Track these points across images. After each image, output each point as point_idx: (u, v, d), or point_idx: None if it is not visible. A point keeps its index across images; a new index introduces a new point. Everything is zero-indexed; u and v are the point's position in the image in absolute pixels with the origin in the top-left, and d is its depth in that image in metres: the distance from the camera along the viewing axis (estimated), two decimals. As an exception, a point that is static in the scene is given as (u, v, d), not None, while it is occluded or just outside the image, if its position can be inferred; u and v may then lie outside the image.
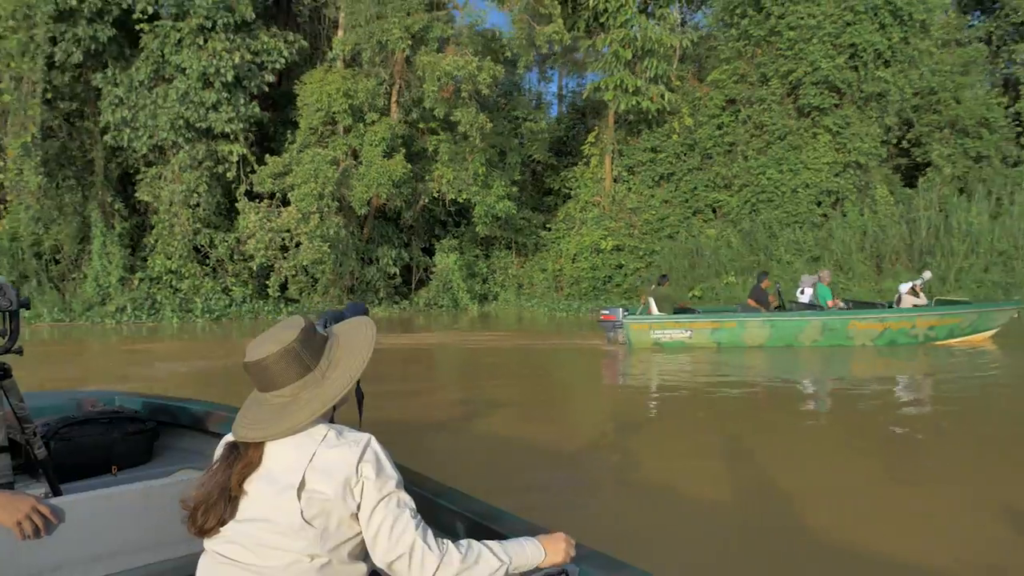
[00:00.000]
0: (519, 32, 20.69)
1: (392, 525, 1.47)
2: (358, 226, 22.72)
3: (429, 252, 25.39)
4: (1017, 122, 24.57)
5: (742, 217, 22.65)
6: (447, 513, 2.00)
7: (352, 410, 1.73)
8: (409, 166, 21.01)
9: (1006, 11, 25.11)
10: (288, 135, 21.70)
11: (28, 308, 2.57)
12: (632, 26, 22.66)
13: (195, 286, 20.69)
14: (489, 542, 1.55)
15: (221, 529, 1.52)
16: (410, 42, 20.23)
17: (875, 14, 21.49)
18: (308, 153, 20.10)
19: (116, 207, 21.01)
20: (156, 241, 20.69)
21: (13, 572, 1.97)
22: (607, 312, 13.37)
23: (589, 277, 23.88)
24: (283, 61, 20.68)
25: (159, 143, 19.78)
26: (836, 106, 22.17)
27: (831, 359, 11.36)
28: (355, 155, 21.51)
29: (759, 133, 23.26)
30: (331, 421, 1.62)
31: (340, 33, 22.67)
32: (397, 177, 20.62)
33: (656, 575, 1.61)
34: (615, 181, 25.18)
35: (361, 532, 1.51)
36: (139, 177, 20.82)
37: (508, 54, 21.88)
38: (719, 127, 24.08)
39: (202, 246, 20.95)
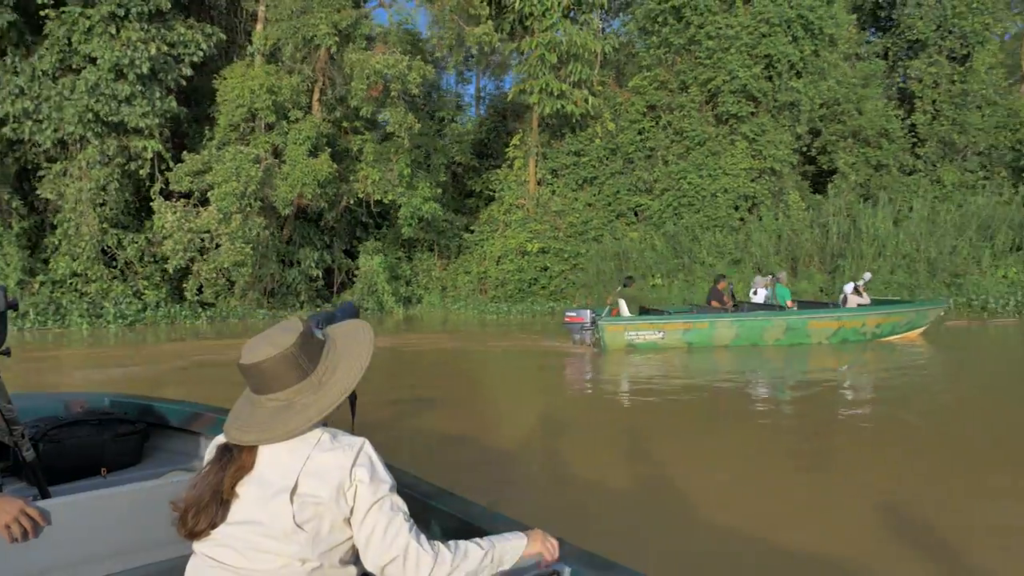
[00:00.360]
0: (449, 32, 20.53)
1: (385, 529, 1.48)
2: (278, 227, 22.03)
3: (351, 254, 24.93)
4: (912, 133, 26.17)
5: (664, 220, 23.24)
6: (440, 515, 2.02)
7: (344, 412, 1.70)
8: (335, 166, 20.55)
9: (901, 28, 26.72)
10: (206, 132, 20.82)
11: (16, 309, 2.55)
12: (557, 30, 22.85)
13: (103, 290, 19.60)
14: (476, 539, 1.59)
15: (212, 532, 1.51)
16: (337, 39, 19.75)
17: (788, 27, 22.51)
18: (229, 151, 19.41)
19: (14, 205, 19.62)
20: (60, 242, 19.50)
21: (6, 573, 1.97)
22: (573, 314, 13.46)
23: (515, 279, 23.99)
24: (201, 54, 19.89)
25: (64, 137, 18.59)
26: (752, 114, 23.09)
27: (796, 356, 11.91)
28: (277, 154, 20.85)
29: (679, 139, 23.97)
30: (325, 424, 1.60)
31: (259, 27, 21.94)
32: (323, 177, 20.18)
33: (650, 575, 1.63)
34: (539, 184, 25.40)
35: (353, 536, 1.51)
36: (41, 173, 19.52)
37: (439, 54, 21.70)
38: (640, 132, 24.68)
39: (109, 247, 19.80)
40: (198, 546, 1.56)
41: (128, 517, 2.20)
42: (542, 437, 6.68)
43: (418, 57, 20.08)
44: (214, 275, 19.83)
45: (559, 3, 22.68)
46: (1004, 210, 22.01)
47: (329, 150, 20.89)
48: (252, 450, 1.52)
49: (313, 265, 22.71)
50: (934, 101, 26.33)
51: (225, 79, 20.56)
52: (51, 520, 2.03)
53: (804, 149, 25.44)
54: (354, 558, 1.56)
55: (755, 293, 14.71)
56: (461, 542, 1.57)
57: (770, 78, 22.89)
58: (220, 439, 1.63)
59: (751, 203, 23.50)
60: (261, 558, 1.49)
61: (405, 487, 1.65)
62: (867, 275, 14.60)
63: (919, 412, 7.48)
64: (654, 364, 11.33)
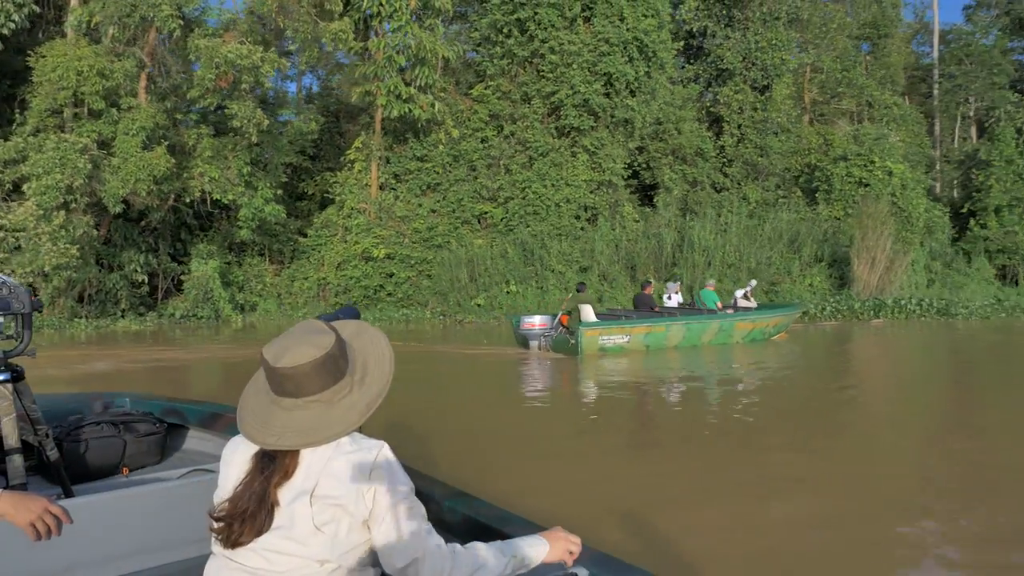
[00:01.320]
0: (304, 26, 19.65)
1: (403, 532, 1.51)
2: (94, 227, 19.86)
3: (175, 258, 22.99)
4: (722, 154, 28.71)
5: (510, 228, 23.73)
6: (457, 517, 2.06)
7: None
8: (172, 160, 18.92)
9: (711, 58, 29.29)
10: (16, 116, 18.31)
11: (41, 311, 2.74)
12: (405, 33, 22.64)
13: None
14: (496, 542, 1.61)
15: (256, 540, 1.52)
16: (181, 22, 18.23)
17: (625, 48, 23.92)
18: (51, 138, 17.34)
19: None
20: None
21: (26, 573, 2.04)
22: (531, 320, 13.92)
23: (360, 286, 23.52)
24: (12, 26, 17.47)
25: None
26: (592, 128, 24.14)
27: (733, 353, 13.62)
28: (103, 145, 18.82)
29: (523, 149, 24.63)
30: None
31: (75, 1, 19.70)
32: (159, 172, 18.52)
33: None
34: (381, 188, 24.95)
35: (371, 539, 1.53)
36: None
37: (292, 48, 20.68)
38: (483, 140, 25.04)
39: None
40: (216, 547, 1.57)
41: (149, 516, 2.25)
42: (607, 453, 6.80)
43: (272, 49, 19.00)
44: (30, 279, 17.46)
45: (407, 6, 22.50)
46: (808, 226, 24.84)
47: (165, 143, 19.15)
48: (295, 455, 1.52)
49: (138, 269, 20.75)
50: (739, 125, 29.21)
51: (43, 57, 18.26)
52: (75, 519, 2.03)
53: (633, 164, 27.08)
54: (372, 560, 1.57)
55: (669, 298, 15.90)
56: (479, 544, 1.58)
57: (608, 95, 24.21)
58: (236, 443, 1.64)
59: (591, 213, 24.65)
60: (281, 560, 1.49)
61: (422, 489, 1.66)
62: (752, 282, 16.49)
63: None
64: (631, 365, 12.19)
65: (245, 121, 18.99)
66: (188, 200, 21.27)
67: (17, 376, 2.65)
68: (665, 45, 25.29)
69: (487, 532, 1.89)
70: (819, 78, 32.48)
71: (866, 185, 26.28)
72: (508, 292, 21.89)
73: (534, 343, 13.78)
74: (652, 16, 25.06)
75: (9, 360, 2.65)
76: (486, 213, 25.01)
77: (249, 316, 23.10)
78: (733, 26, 29.29)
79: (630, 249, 23.98)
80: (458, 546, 1.55)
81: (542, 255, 22.67)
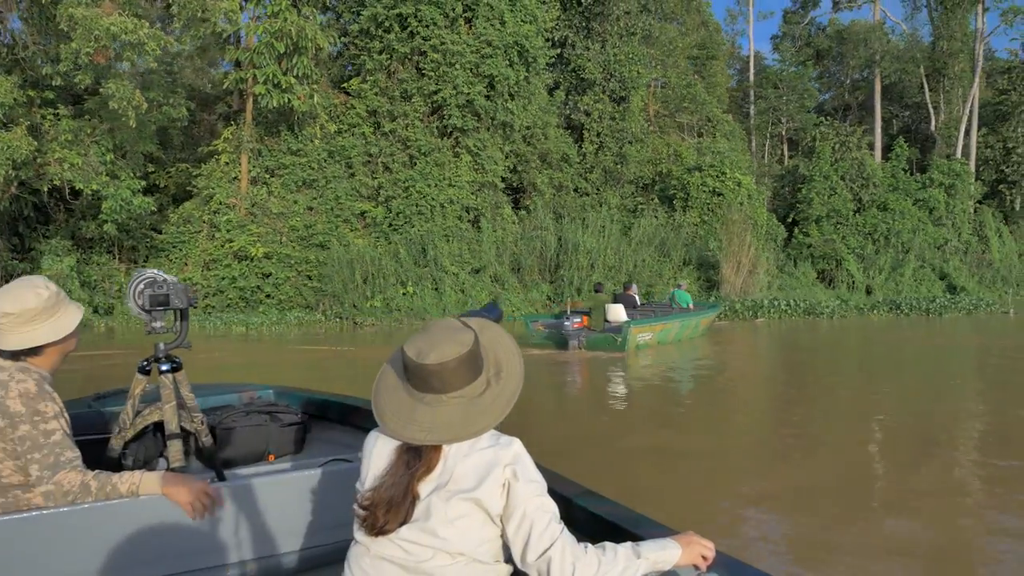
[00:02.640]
0: (191, 2, 17.93)
1: (536, 527, 1.54)
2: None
3: (16, 254, 20.22)
4: (583, 160, 29.67)
5: (395, 229, 23.12)
6: (585, 516, 2.08)
7: None
8: (35, 143, 16.60)
9: (573, 67, 30.24)
10: None
11: (196, 306, 2.97)
12: (284, 19, 21.42)
13: None
14: (627, 543, 1.62)
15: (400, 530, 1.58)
16: (51, -13, 16.11)
17: (506, 51, 24.09)
18: None
19: None
20: None
21: (181, 549, 2.18)
22: (578, 320, 14.17)
23: (235, 287, 21.90)
24: None
25: None
26: (475, 129, 24.12)
27: (708, 345, 15.10)
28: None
29: (403, 147, 24.07)
30: None
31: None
32: (20, 156, 16.17)
33: None
34: (253, 183, 23.35)
35: (504, 533, 1.58)
36: None
37: (177, 25, 18.81)
38: (361, 137, 24.20)
39: None
40: (360, 535, 1.64)
41: (293, 502, 2.36)
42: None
43: (157, 26, 17.21)
44: None
45: (286, -10, 21.35)
46: (672, 231, 26.31)
47: (26, 123, 16.76)
48: (439, 450, 1.58)
49: (-24, 266, 17.99)
50: (599, 134, 30.34)
51: None
52: (225, 501, 2.24)
53: (511, 167, 27.34)
54: (505, 555, 1.62)
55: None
56: (609, 544, 1.60)
57: (490, 97, 24.24)
58: (375, 436, 1.71)
59: (473, 215, 24.58)
60: (416, 551, 1.56)
61: (552, 487, 1.68)
62: (683, 284, 17.24)
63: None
64: (668, 358, 13.28)
65: (124, 103, 17.00)
66: (38, 188, 18.71)
67: (176, 367, 2.79)
68: (543, 51, 25.80)
69: (617, 532, 1.90)
70: (665, 93, 34.57)
71: (719, 194, 28.33)
72: (405, 294, 21.28)
73: (573, 343, 13.72)
74: (531, 22, 25.49)
75: (169, 352, 2.78)
76: (366, 212, 24.16)
77: (113, 320, 20.70)
78: (592, 38, 30.45)
79: (514, 251, 24.19)
80: (589, 544, 1.57)
81: (436, 256, 22.27)
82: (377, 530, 1.56)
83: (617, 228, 26.55)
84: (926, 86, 41.66)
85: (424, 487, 1.56)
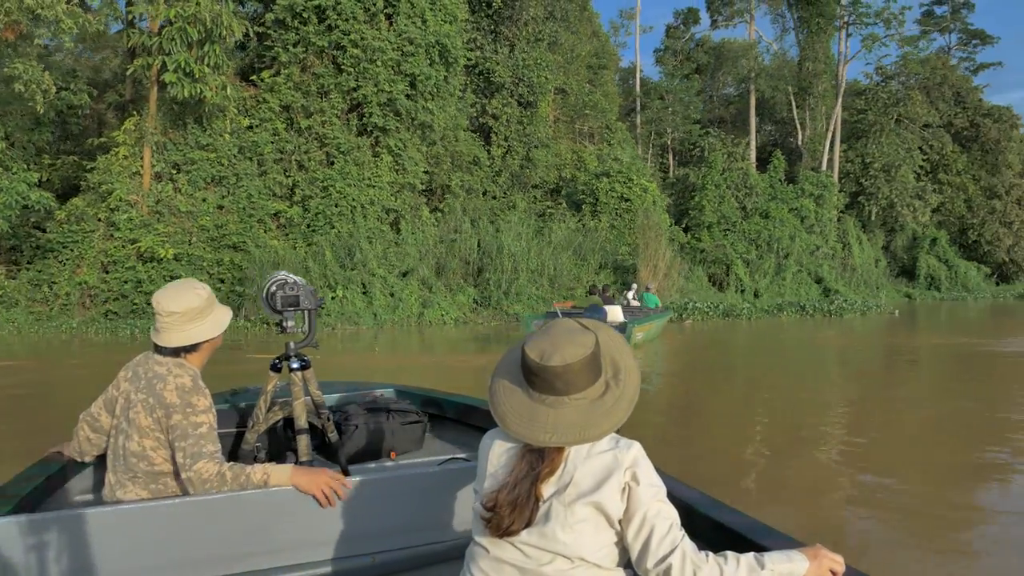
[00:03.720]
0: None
1: (656, 533, 1.51)
2: None
3: None
4: (492, 164, 29.47)
5: (316, 230, 22.04)
6: (706, 523, 2.04)
7: None
8: (-77, 127, 14.52)
9: (480, 70, 29.97)
10: None
11: (323, 307, 3.76)
12: (198, 3, 19.94)
13: None
14: (750, 554, 1.57)
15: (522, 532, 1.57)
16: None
17: (428, 51, 23.55)
18: None
19: None
20: None
21: (305, 540, 2.27)
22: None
23: (140, 291, 20.06)
24: None
25: None
26: (396, 129, 23.41)
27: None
28: None
29: (321, 145, 22.99)
30: None
31: None
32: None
33: None
34: (157, 179, 21.56)
35: (621, 538, 1.56)
36: None
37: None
38: (275, 133, 22.90)
39: None
40: (480, 536, 1.65)
41: (413, 499, 2.40)
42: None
43: (74, 2, 15.48)
44: None
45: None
46: (587, 236, 26.59)
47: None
48: (562, 451, 1.57)
49: None
50: (507, 137, 30.19)
51: None
52: (349, 495, 2.31)
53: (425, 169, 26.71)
54: (624, 560, 1.60)
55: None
56: (731, 554, 1.55)
57: (411, 96, 23.59)
58: (493, 436, 1.72)
59: (394, 216, 23.81)
60: (535, 554, 1.55)
61: (673, 492, 1.68)
62: (634, 286, 17.60)
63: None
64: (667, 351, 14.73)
65: (32, 86, 15.11)
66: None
67: (305, 365, 2.91)
68: (463, 52, 25.38)
69: (740, 542, 1.86)
70: (566, 99, 34.93)
71: (627, 200, 28.92)
72: (334, 298, 20.20)
73: None
74: (451, 23, 25.02)
75: (299, 351, 2.91)
76: (280, 212, 22.80)
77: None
78: (500, 42, 30.31)
79: (436, 254, 23.61)
80: (710, 553, 1.53)
81: (363, 259, 21.31)
82: (503, 531, 1.54)
83: (531, 232, 26.53)
84: (793, 103, 44.47)
85: (547, 489, 1.54)
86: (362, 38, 22.86)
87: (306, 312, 2.89)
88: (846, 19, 42.00)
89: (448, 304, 21.91)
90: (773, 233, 35.30)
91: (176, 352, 2.46)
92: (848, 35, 42.66)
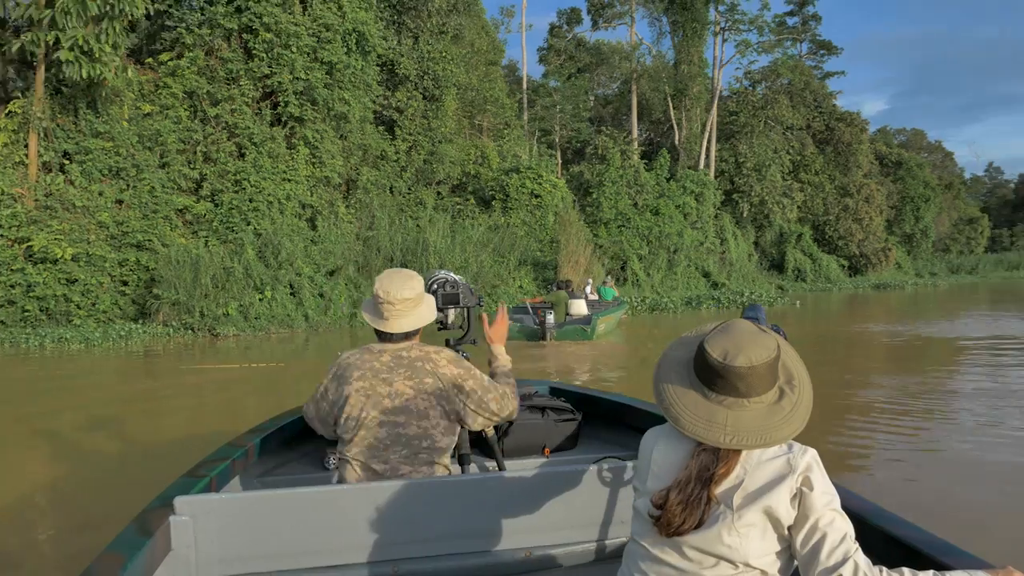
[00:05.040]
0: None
1: (827, 542, 1.45)
2: None
3: None
4: (398, 159, 28.41)
5: (231, 227, 20.35)
6: (882, 538, 1.93)
7: None
8: None
9: (383, 60, 28.81)
10: None
11: (482, 305, 3.13)
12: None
13: None
14: (929, 572, 1.46)
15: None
16: None
17: (345, 39, 22.37)
18: None
19: None
20: None
21: (468, 530, 2.33)
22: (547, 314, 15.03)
23: (31, 296, 17.73)
24: None
25: None
26: (312, 120, 22.07)
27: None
28: None
29: (231, 135, 21.29)
30: None
31: None
32: None
33: None
34: (45, 169, 19.17)
35: (792, 546, 1.51)
36: None
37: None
38: (178, 121, 20.96)
39: None
40: (642, 537, 1.62)
41: (568, 496, 2.40)
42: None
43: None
44: None
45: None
46: (505, 233, 26.17)
47: None
48: (738, 454, 1.53)
49: None
50: (412, 132, 29.20)
51: None
52: (505, 490, 2.35)
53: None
54: (788, 568, 1.56)
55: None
56: (908, 570, 1.45)
57: (329, 86, 22.29)
58: (655, 435, 1.69)
59: (311, 212, 22.40)
60: (697, 557, 1.52)
61: (845, 503, 1.59)
62: (590, 281, 17.32)
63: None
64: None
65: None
66: None
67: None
68: (380, 41, 24.21)
69: (917, 559, 1.76)
70: (466, 94, 34.24)
71: (538, 196, 28.69)
72: (262, 299, 18.62)
73: (548, 334, 14.68)
74: (366, 9, 23.79)
75: (458, 347, 2.94)
76: (188, 207, 20.79)
77: None
78: (404, 33, 29.23)
79: (357, 251, 22.39)
80: (885, 568, 1.45)
81: (289, 257, 19.80)
82: (673, 530, 1.50)
83: (445, 228, 25.75)
84: (670, 104, 45.95)
85: (719, 491, 1.51)
86: (276, 22, 21.27)
87: (465, 309, 3.01)
88: (722, 25, 43.84)
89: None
90: (663, 229, 36.21)
91: (406, 336, 2.57)
92: (724, 40, 44.56)
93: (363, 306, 2.68)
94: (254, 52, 21.48)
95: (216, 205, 20.79)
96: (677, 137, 46.39)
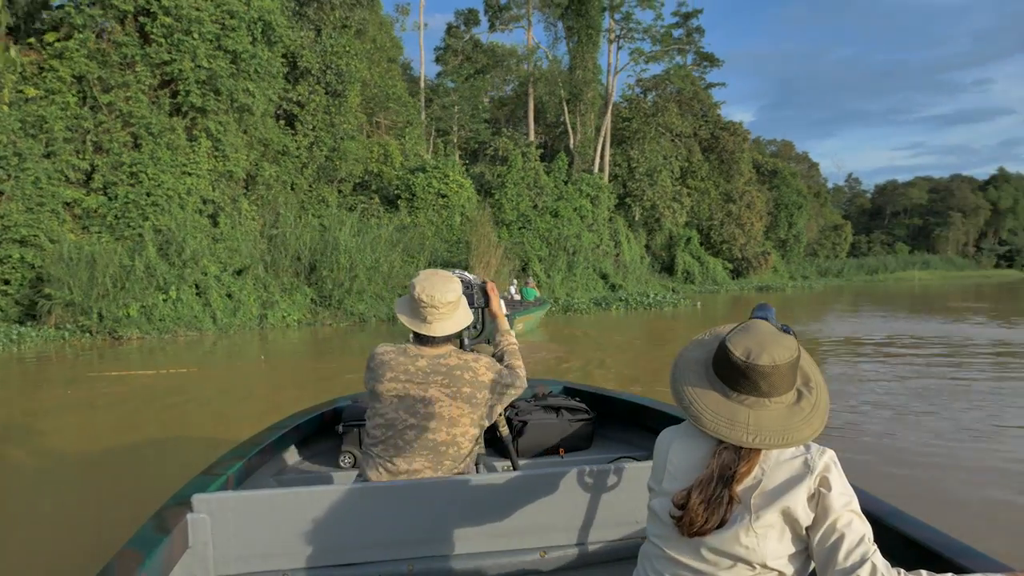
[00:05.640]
0: None
1: (846, 544, 1.43)
2: None
3: None
4: (299, 155, 27.42)
5: (128, 222, 19.05)
6: (898, 538, 1.93)
7: None
8: None
9: (284, 53, 27.76)
10: None
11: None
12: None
13: None
14: (948, 574, 1.42)
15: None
16: None
17: (250, 27, 21.45)
18: None
19: None
20: None
21: (482, 530, 2.35)
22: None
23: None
24: None
25: None
26: (215, 111, 21.00)
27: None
28: None
29: (125, 125, 19.94)
30: None
31: None
32: None
33: None
34: (-88, 156, 17.37)
35: (809, 546, 1.50)
36: None
37: None
38: (65, 107, 19.45)
39: None
40: (658, 537, 1.62)
41: (582, 495, 2.41)
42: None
43: None
44: None
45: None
46: (413, 233, 25.73)
47: None
48: (759, 454, 1.51)
49: None
50: (314, 127, 28.27)
51: None
52: (518, 490, 2.36)
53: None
54: (805, 569, 1.55)
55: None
56: (926, 573, 1.42)
57: (234, 76, 21.25)
58: (671, 435, 1.67)
59: (213, 208, 21.26)
60: (715, 558, 1.51)
61: (863, 505, 1.56)
62: (515, 281, 17.29)
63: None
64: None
65: None
66: None
67: None
68: (287, 31, 23.25)
69: (935, 561, 1.77)
70: (368, 90, 33.44)
71: (444, 196, 28.36)
72: (166, 300, 17.41)
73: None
74: (272, -1, 22.80)
75: (473, 346, 3.01)
76: (77, 200, 19.22)
77: None
78: (305, 24, 28.25)
79: (261, 250, 21.38)
80: (903, 570, 1.43)
81: (193, 256, 18.63)
82: (696, 530, 1.49)
83: (353, 227, 25.03)
84: (565, 108, 46.64)
85: (740, 490, 1.50)
86: (176, 5, 20.01)
87: (480, 310, 3.05)
88: (616, 32, 44.87)
89: (288, 305, 19.96)
90: (563, 231, 36.68)
91: (446, 339, 2.57)
92: (619, 48, 45.64)
93: (397, 308, 2.62)
94: (152, 37, 20.13)
95: (110, 199, 19.34)
96: (572, 141, 47.14)
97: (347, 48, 28.29)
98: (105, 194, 19.46)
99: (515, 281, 20.10)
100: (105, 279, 16.71)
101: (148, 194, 19.51)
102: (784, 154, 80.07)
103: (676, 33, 59.23)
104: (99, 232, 18.89)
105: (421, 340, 2.55)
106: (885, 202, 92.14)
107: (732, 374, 1.53)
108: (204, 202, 21.04)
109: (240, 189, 22.97)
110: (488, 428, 3.05)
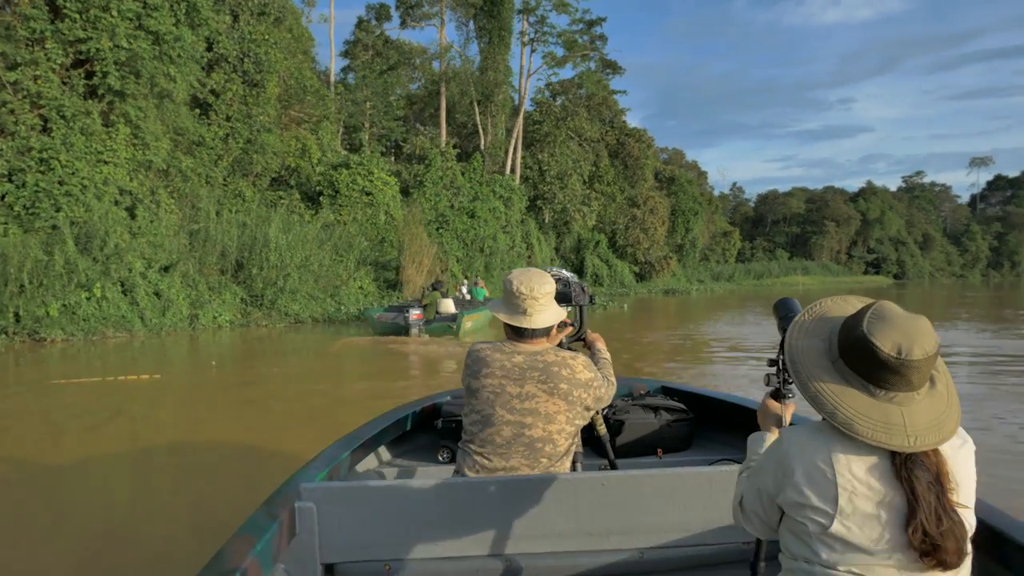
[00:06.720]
0: None
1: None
2: None
3: None
4: (214, 147, 25.97)
5: (37, 213, 17.44)
6: (1017, 548, 1.92)
7: None
8: None
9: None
10: None
11: (594, 304, 3.31)
12: None
13: None
14: None
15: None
16: None
17: (173, 8, 20.17)
18: None
19: None
20: None
21: (581, 528, 2.32)
22: (418, 312, 15.68)
23: None
24: None
25: None
26: (135, 95, 19.57)
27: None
28: None
29: (34, 107, 18.32)
30: None
31: None
32: None
33: None
34: None
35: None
36: None
37: None
38: (-36, 85, 17.67)
39: None
40: (831, 565, 1.40)
41: (681, 497, 2.34)
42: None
43: None
44: None
45: None
46: (343, 231, 24.84)
47: None
48: (937, 454, 1.37)
49: None
50: (229, 117, 26.84)
51: None
52: (616, 490, 2.31)
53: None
54: None
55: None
56: None
57: (157, 58, 19.84)
58: (815, 441, 1.43)
59: (131, 199, 19.75)
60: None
61: (982, 517, 1.54)
62: (465, 281, 17.56)
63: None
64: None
65: None
66: None
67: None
68: (212, 14, 21.87)
69: None
70: (288, 83, 32.01)
71: (369, 194, 27.49)
72: (90, 298, 15.90)
73: (414, 331, 15.34)
74: (195, -22, 21.40)
75: (570, 345, 2.99)
76: (-21, 189, 17.36)
77: None
78: (221, 9, 26.74)
79: (189, 245, 20.01)
80: None
81: (116, 251, 17.15)
82: (945, 566, 1.31)
83: (280, 224, 23.84)
84: (476, 109, 46.39)
85: (954, 500, 1.35)
86: (91, -21, 18.47)
87: (578, 308, 3.05)
88: (530, 35, 45.00)
89: (219, 305, 18.75)
90: (479, 232, 36.45)
91: (546, 332, 2.56)
92: (532, 51, 45.77)
93: (491, 307, 2.65)
94: (64, 11, 18.46)
95: (17, 187, 17.57)
96: (482, 142, 46.96)
97: (266, 36, 27.01)
98: (11, 181, 17.67)
99: (465, 281, 19.85)
100: (22, 274, 15.08)
101: (61, 183, 17.85)
102: (675, 162, 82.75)
103: (581, 39, 60.43)
104: (6, 223, 17.13)
105: (519, 334, 2.54)
106: (767, 210, 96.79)
107: (879, 372, 1.36)
108: (121, 193, 19.47)
109: (159, 180, 21.43)
110: (585, 427, 3.00)
